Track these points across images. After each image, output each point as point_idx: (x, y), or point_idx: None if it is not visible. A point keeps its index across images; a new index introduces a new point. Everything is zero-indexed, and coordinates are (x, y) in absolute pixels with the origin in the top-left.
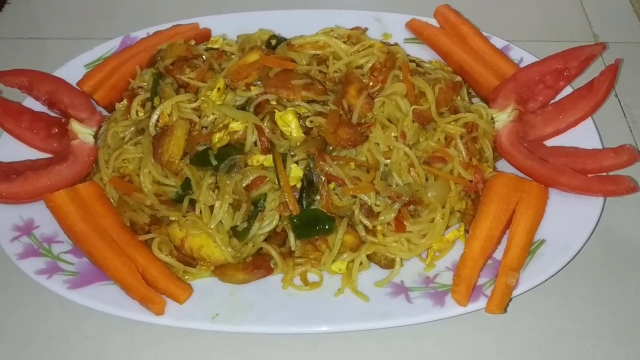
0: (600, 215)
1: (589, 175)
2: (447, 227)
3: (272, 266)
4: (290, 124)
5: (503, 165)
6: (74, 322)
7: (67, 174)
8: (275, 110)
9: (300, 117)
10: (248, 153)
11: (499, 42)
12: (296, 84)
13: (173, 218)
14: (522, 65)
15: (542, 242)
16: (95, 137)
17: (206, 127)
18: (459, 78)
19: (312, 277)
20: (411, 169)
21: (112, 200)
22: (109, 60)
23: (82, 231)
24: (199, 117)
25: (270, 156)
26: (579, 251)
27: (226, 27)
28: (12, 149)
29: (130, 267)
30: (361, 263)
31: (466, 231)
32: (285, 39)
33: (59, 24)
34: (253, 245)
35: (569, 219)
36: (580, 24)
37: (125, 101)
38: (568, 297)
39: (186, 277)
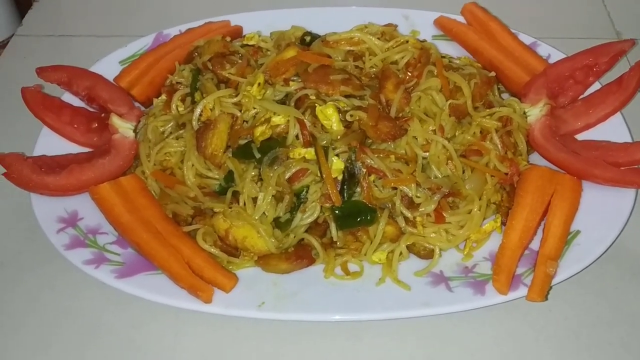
0: (633, 207)
1: (622, 168)
2: (484, 219)
3: (313, 256)
4: (331, 117)
5: (535, 158)
6: (118, 312)
7: (110, 168)
8: (316, 104)
9: (340, 111)
10: (290, 146)
11: (526, 39)
12: (334, 79)
13: (217, 209)
14: (550, 61)
15: (577, 233)
16: (135, 131)
17: (247, 122)
18: (492, 73)
19: (352, 267)
20: (449, 161)
21: (153, 192)
22: (145, 57)
23: (128, 222)
24: (241, 111)
25: (312, 149)
26: (613, 242)
27: (256, 24)
28: (53, 143)
29: (176, 257)
30: (401, 253)
31: (503, 223)
32: (318, 36)
33: (88, 21)
34: (295, 236)
35: (602, 211)
36: (603, 21)
37: (163, 96)
38: (602, 287)
39: (230, 267)
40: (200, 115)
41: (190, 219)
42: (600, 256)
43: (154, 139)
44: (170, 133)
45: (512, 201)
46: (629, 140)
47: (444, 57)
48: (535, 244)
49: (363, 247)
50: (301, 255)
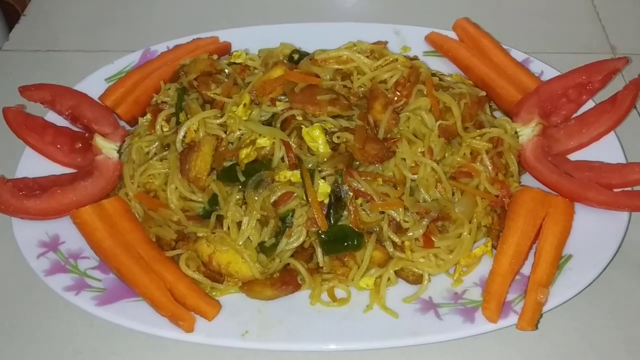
0: (626, 230)
1: (615, 190)
2: (474, 242)
3: (299, 282)
4: (317, 139)
5: (527, 179)
6: (101, 338)
7: (92, 190)
8: (302, 125)
9: (327, 133)
10: (275, 169)
11: (518, 55)
12: (322, 100)
13: (201, 234)
14: (542, 78)
15: (569, 257)
16: (119, 152)
17: (232, 143)
18: (483, 92)
19: (339, 293)
20: (438, 184)
21: (137, 215)
22: (131, 75)
23: (110, 248)
24: (226, 132)
25: (297, 172)
26: (606, 267)
27: (246, 40)
28: (36, 163)
29: (158, 284)
30: (389, 279)
31: (493, 246)
32: (307, 53)
33: (76, 36)
34: (280, 261)
35: (595, 234)
36: (597, 35)
37: (149, 116)
38: (594, 312)
39: (214, 293)
40: (185, 136)
41: (173, 243)
42: (593, 281)
43: (138, 160)
44: (155, 154)
45: (503, 224)
46: (623, 160)
47: (434, 74)
48: (526, 269)
49: (350, 272)
50: (286, 281)
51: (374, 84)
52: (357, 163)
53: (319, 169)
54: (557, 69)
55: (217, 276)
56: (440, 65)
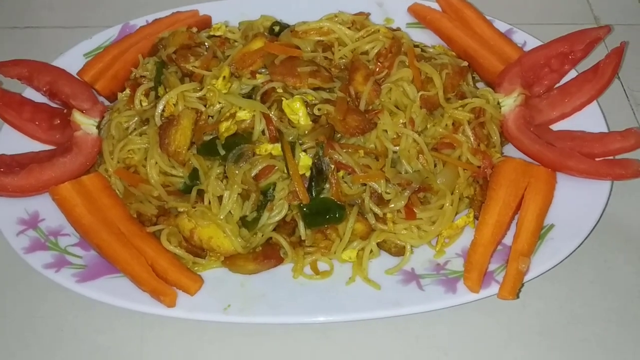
0: (608, 199)
1: (597, 159)
2: (457, 214)
3: (282, 256)
4: (297, 112)
5: (509, 149)
6: (82, 316)
7: (71, 166)
8: (283, 98)
9: (307, 105)
10: (256, 142)
11: (501, 26)
12: (302, 72)
13: (182, 209)
14: (525, 49)
15: (551, 227)
16: (99, 127)
17: (212, 117)
18: (465, 63)
19: (322, 265)
20: (420, 155)
21: (117, 191)
22: (109, 49)
23: (90, 224)
24: (205, 106)
25: (278, 145)
26: (587, 236)
27: (226, 13)
28: (14, 141)
29: (139, 260)
30: (371, 251)
31: (475, 217)
32: (288, 26)
33: (54, 12)
34: (262, 235)
35: (577, 204)
36: (581, 6)
37: (128, 91)
38: (576, 281)
39: (196, 268)
40: (163, 110)
41: (154, 219)
42: (574, 251)
43: (117, 136)
44: (135, 129)
45: (485, 195)
46: (605, 129)
47: (416, 45)
48: (508, 239)
49: (333, 245)
50: (269, 255)
51: (355, 55)
52: (339, 135)
53: (300, 141)
54: (541, 39)
55: (199, 251)
56: (423, 37)
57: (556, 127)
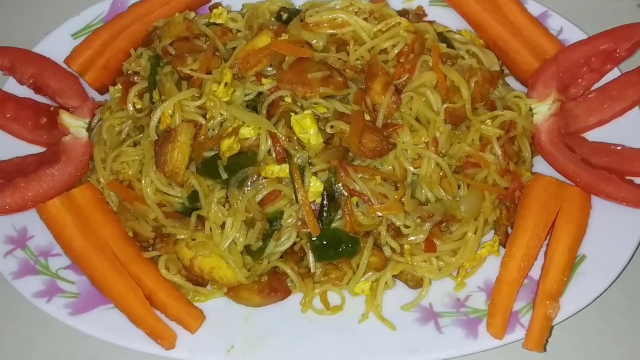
0: None
1: (637, 181)
2: (480, 241)
3: (289, 287)
4: (308, 130)
5: (540, 160)
6: (79, 341)
7: (60, 178)
8: (291, 112)
9: (318, 119)
10: (261, 162)
11: (535, 9)
12: (313, 78)
13: (181, 236)
14: (562, 36)
15: (582, 259)
16: (89, 128)
17: (213, 129)
18: (496, 67)
19: (332, 295)
20: (442, 179)
21: (111, 204)
22: (99, 32)
23: (82, 249)
24: (205, 117)
25: (286, 166)
26: (623, 270)
27: None
28: None
29: (136, 292)
30: (386, 283)
31: (501, 244)
32: (297, 11)
33: None
34: (268, 263)
35: (611, 231)
36: None
37: (119, 86)
38: (605, 313)
39: (197, 298)
40: (159, 122)
41: (152, 240)
42: (608, 288)
43: (110, 142)
44: (128, 134)
45: (512, 218)
46: None
47: (441, 34)
48: (535, 271)
49: (344, 276)
50: (275, 288)
51: (372, 55)
52: (352, 154)
53: (310, 162)
54: (578, 23)
55: (199, 279)
56: (447, 17)
57: (592, 134)
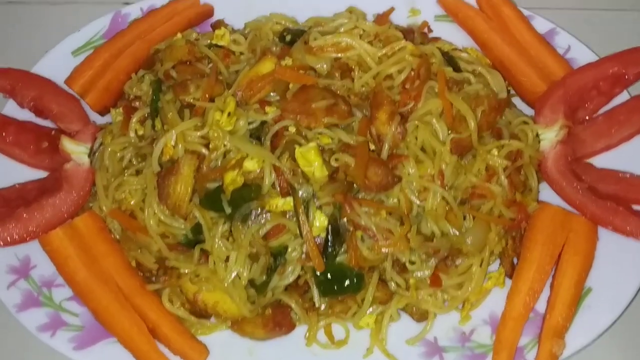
0: None
1: None
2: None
3: (293, 320)
4: (313, 163)
5: (545, 186)
6: None
7: (62, 207)
8: (295, 144)
9: (323, 150)
10: (265, 196)
11: (543, 25)
12: (317, 108)
13: (184, 270)
14: (569, 55)
15: (588, 292)
16: (91, 152)
17: (217, 159)
18: (503, 94)
19: (336, 328)
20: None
21: (114, 232)
22: (100, 52)
23: (85, 282)
24: (208, 146)
25: (290, 199)
26: (629, 304)
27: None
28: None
29: (139, 326)
30: (391, 316)
31: (507, 275)
32: (300, 31)
33: None
34: (272, 295)
35: (618, 263)
36: None
37: (121, 110)
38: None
39: (200, 331)
40: (162, 152)
41: (155, 271)
42: (614, 322)
43: (112, 168)
44: (130, 161)
45: (517, 249)
46: None
47: (446, 54)
48: (541, 304)
49: (349, 310)
50: (279, 322)
51: (378, 83)
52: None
53: (315, 196)
54: (585, 35)
55: (203, 312)
56: (453, 33)
57: (599, 159)
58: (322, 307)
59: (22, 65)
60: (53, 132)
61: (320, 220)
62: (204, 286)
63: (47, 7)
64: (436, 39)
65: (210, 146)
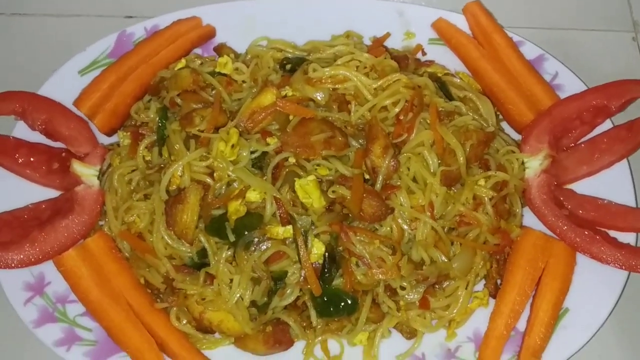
0: (626, 282)
1: (623, 246)
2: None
3: (292, 335)
4: (311, 194)
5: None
6: None
7: (75, 228)
8: (295, 176)
9: (321, 182)
10: (267, 224)
11: (532, 51)
12: (316, 141)
13: (191, 292)
14: (557, 81)
15: (565, 312)
16: (100, 173)
17: (221, 189)
18: (491, 128)
19: (332, 344)
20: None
21: (124, 251)
22: (106, 74)
23: (98, 300)
24: (213, 176)
25: (290, 227)
26: (603, 323)
27: (232, 17)
28: (11, 185)
29: (150, 344)
30: (382, 333)
31: (491, 295)
32: (300, 59)
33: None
34: (273, 313)
35: (594, 286)
36: (620, 9)
37: (128, 134)
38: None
39: (205, 346)
40: (169, 181)
41: (163, 290)
42: (589, 341)
43: (121, 191)
44: (138, 184)
45: (501, 271)
46: (631, 193)
47: (437, 80)
48: (521, 323)
49: (344, 328)
50: (279, 340)
51: (373, 117)
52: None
53: (313, 225)
54: (573, 56)
55: (208, 329)
56: (446, 56)
57: (580, 185)
58: (319, 326)
59: (27, 78)
60: (63, 154)
61: (317, 248)
62: (209, 306)
63: (51, 19)
64: (430, 62)
65: (215, 176)
